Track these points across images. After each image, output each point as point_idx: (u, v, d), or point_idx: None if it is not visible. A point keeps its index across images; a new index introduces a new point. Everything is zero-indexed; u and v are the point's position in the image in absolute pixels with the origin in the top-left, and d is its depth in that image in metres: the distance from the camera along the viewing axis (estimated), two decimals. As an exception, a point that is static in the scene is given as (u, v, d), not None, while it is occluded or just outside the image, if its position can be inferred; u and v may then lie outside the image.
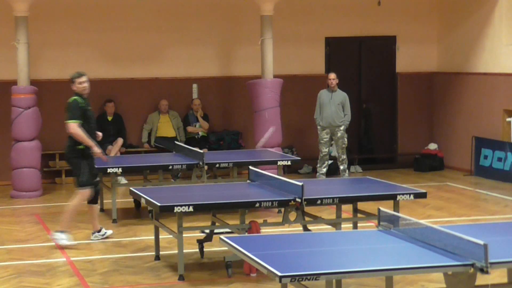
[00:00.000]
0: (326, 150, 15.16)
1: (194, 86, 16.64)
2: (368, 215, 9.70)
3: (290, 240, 7.22)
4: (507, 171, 15.18)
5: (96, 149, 10.56)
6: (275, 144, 14.98)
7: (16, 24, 14.33)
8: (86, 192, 10.55)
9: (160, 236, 9.82)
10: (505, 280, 7.15)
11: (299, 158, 13.82)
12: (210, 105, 16.61)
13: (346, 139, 15.15)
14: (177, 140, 15.45)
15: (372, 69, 17.56)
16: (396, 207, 9.34)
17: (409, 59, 17.51)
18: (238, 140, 16.59)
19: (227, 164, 12.59)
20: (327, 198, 9.07)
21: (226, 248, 7.40)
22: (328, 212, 11.87)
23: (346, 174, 15.13)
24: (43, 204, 13.83)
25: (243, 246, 6.55)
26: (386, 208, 7.31)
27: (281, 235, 8.41)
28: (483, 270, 5.84)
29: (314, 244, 6.93)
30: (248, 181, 10.24)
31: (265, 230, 10.07)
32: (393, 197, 9.40)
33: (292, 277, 5.74)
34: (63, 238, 10.45)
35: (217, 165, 12.46)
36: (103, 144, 15.74)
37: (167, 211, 8.81)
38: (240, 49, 16.64)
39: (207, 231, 9.96)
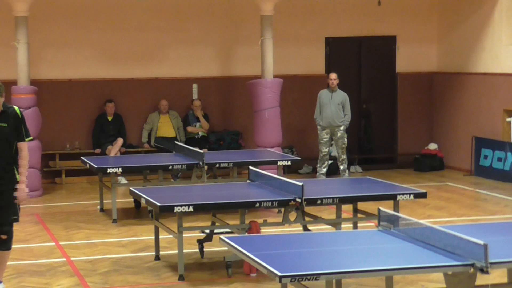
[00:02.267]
0: (326, 150, 15.16)
1: (194, 86, 16.64)
2: (368, 215, 9.70)
3: (290, 240, 7.22)
4: (507, 171, 15.18)
5: None
6: (275, 144, 14.98)
7: (16, 24, 14.32)
8: None
9: (160, 236, 9.82)
10: (505, 280, 7.16)
11: (299, 158, 13.81)
12: (210, 105, 16.61)
13: (346, 139, 15.15)
14: (177, 140, 15.45)
15: (372, 69, 17.56)
16: (396, 207, 9.34)
17: (409, 59, 17.50)
18: (238, 140, 16.59)
19: (227, 164, 12.59)
20: (327, 198, 9.08)
21: (226, 248, 7.40)
22: (328, 212, 11.87)
23: (346, 174, 15.13)
24: (43, 204, 13.82)
25: (243, 246, 6.55)
26: (386, 208, 7.31)
27: (281, 235, 8.41)
28: (483, 270, 5.84)
29: (314, 244, 6.93)
30: (248, 181, 10.24)
31: (265, 230, 10.07)
32: (393, 197, 9.40)
33: (292, 277, 5.74)
34: None
35: (217, 165, 12.46)
36: (103, 144, 15.79)
37: (167, 211, 8.81)
38: (240, 49, 16.64)
39: (207, 231, 9.96)
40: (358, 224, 10.19)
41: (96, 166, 12.32)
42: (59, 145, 15.96)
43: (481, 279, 6.26)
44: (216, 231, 9.74)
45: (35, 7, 14.64)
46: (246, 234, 8.84)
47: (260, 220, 9.39)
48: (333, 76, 15.15)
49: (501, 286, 7.24)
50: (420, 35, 17.51)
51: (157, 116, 16.18)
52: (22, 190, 8.04)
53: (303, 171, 16.69)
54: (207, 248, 9.86)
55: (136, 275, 9.13)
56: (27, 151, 8.11)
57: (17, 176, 8.03)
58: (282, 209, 9.52)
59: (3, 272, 8.40)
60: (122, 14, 16.19)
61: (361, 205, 9.93)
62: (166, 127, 16.15)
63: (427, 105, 17.68)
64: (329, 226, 9.82)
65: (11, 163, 8.07)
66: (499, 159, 15.43)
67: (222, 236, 6.99)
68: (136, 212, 12.93)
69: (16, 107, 8.09)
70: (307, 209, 9.24)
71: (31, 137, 8.21)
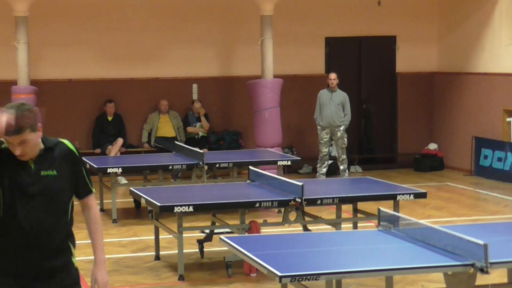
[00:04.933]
0: (326, 150, 15.16)
1: (194, 86, 16.64)
2: (368, 215, 9.70)
3: (290, 240, 7.22)
4: (507, 171, 15.17)
5: None
6: (275, 144, 14.98)
7: (16, 24, 14.33)
8: None
9: (160, 236, 9.82)
10: (505, 280, 7.15)
11: (299, 158, 13.82)
12: (210, 105, 16.60)
13: (346, 139, 15.14)
14: (177, 140, 15.45)
15: (372, 69, 17.56)
16: (396, 207, 9.34)
17: (409, 59, 17.50)
18: (238, 140, 16.59)
19: (227, 164, 12.60)
20: (327, 198, 9.08)
21: (226, 248, 7.40)
22: (328, 212, 11.87)
23: (346, 174, 15.13)
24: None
25: (243, 246, 6.55)
26: (386, 208, 7.31)
27: (281, 235, 8.42)
28: (483, 270, 5.84)
29: (314, 244, 6.93)
30: (248, 181, 10.24)
31: (265, 230, 10.07)
32: (393, 197, 9.41)
33: (292, 277, 5.74)
34: None
35: (217, 165, 12.47)
36: (103, 144, 15.79)
37: (167, 211, 8.81)
38: (240, 49, 16.63)
39: (207, 231, 9.97)
40: (358, 224, 10.19)
41: (96, 166, 12.32)
42: (59, 145, 15.94)
43: (481, 279, 6.26)
44: (216, 231, 9.74)
45: (35, 7, 14.63)
46: (246, 234, 8.84)
47: (260, 220, 9.39)
48: (333, 76, 15.15)
49: (501, 286, 7.24)
50: (420, 35, 17.51)
51: (157, 116, 16.18)
52: (102, 277, 5.43)
53: (303, 171, 16.69)
54: (207, 248, 9.86)
55: (136, 275, 9.13)
56: (98, 209, 5.10)
57: (75, 262, 5.17)
58: (282, 209, 9.53)
59: None
60: (122, 14, 16.19)
61: (361, 205, 9.93)
62: (166, 127, 16.14)
63: (427, 105, 17.67)
64: (329, 226, 9.82)
65: (66, 239, 4.96)
66: (499, 159, 15.43)
67: (222, 236, 6.99)
68: (136, 212, 12.93)
69: (66, 141, 4.88)
70: (307, 209, 9.24)
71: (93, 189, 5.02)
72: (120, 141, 15.77)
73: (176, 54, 16.47)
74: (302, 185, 8.78)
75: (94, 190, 4.98)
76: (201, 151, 12.59)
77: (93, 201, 4.99)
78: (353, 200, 9.73)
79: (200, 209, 8.99)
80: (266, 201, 8.94)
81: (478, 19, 16.30)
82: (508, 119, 15.40)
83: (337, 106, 15.06)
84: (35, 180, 4.68)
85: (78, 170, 4.86)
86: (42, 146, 4.75)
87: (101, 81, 16.16)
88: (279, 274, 5.71)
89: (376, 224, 7.42)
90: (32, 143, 4.64)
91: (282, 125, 15.27)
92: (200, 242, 9.79)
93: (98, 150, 15.78)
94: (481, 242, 5.87)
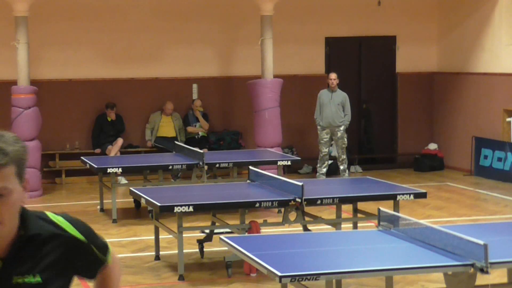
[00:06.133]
0: (326, 150, 15.16)
1: (194, 86, 16.64)
2: (368, 215, 9.70)
3: (290, 240, 7.22)
4: (507, 171, 15.17)
5: None
6: (275, 144, 14.97)
7: (16, 24, 14.32)
8: None
9: (160, 236, 9.82)
10: (505, 280, 7.16)
11: (299, 158, 13.82)
12: (210, 105, 16.60)
13: (346, 139, 15.15)
14: (177, 140, 15.45)
15: (372, 69, 17.55)
16: (396, 207, 9.34)
17: (409, 59, 17.50)
18: (238, 140, 16.59)
19: (227, 164, 12.60)
20: (327, 198, 9.08)
21: (226, 248, 7.40)
22: (328, 212, 11.86)
23: (346, 174, 15.12)
24: (43, 204, 13.81)
25: (243, 246, 6.55)
26: (386, 208, 7.31)
27: (281, 235, 8.42)
28: (483, 270, 5.84)
29: (314, 244, 6.93)
30: (248, 181, 10.24)
31: (265, 230, 10.07)
32: (393, 197, 9.41)
33: (292, 277, 5.74)
34: None
35: (217, 165, 12.47)
36: (103, 144, 15.79)
37: (167, 211, 8.81)
38: (240, 49, 16.63)
39: (207, 231, 9.97)
40: (358, 224, 10.19)
41: (96, 166, 12.32)
42: (59, 145, 15.95)
43: (481, 279, 6.26)
44: (216, 231, 9.74)
45: (35, 7, 14.63)
46: (246, 234, 8.84)
47: (260, 220, 9.39)
48: (333, 76, 15.15)
49: (501, 286, 7.24)
50: (420, 35, 17.51)
51: (158, 116, 16.16)
52: None
53: (303, 171, 16.68)
54: (207, 248, 9.86)
55: (136, 275, 9.13)
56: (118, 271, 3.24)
57: None
58: (282, 209, 9.53)
59: None
60: (122, 14, 16.19)
61: (361, 205, 9.93)
62: (167, 127, 16.14)
63: (427, 105, 17.67)
64: (329, 226, 9.82)
65: None
66: (499, 159, 15.42)
67: (222, 236, 6.99)
68: (136, 212, 12.93)
69: (52, 217, 3.04)
70: (307, 209, 9.24)
71: (109, 252, 3.21)
72: (120, 141, 15.77)
73: (176, 54, 16.47)
74: (302, 185, 8.78)
75: (109, 259, 3.14)
76: (201, 151, 12.59)
77: (110, 269, 3.17)
78: (353, 200, 9.73)
79: (200, 209, 8.99)
80: (266, 201, 8.94)
81: (478, 19, 16.30)
82: (508, 119, 15.40)
83: (337, 106, 15.06)
84: None
85: (85, 258, 3.05)
86: (19, 230, 2.79)
87: (101, 81, 16.16)
88: (279, 274, 5.71)
89: (376, 224, 7.42)
90: (14, 200, 2.72)
91: (282, 125, 15.26)
92: (200, 242, 9.79)
93: (98, 150, 15.78)
94: (481, 242, 5.87)
